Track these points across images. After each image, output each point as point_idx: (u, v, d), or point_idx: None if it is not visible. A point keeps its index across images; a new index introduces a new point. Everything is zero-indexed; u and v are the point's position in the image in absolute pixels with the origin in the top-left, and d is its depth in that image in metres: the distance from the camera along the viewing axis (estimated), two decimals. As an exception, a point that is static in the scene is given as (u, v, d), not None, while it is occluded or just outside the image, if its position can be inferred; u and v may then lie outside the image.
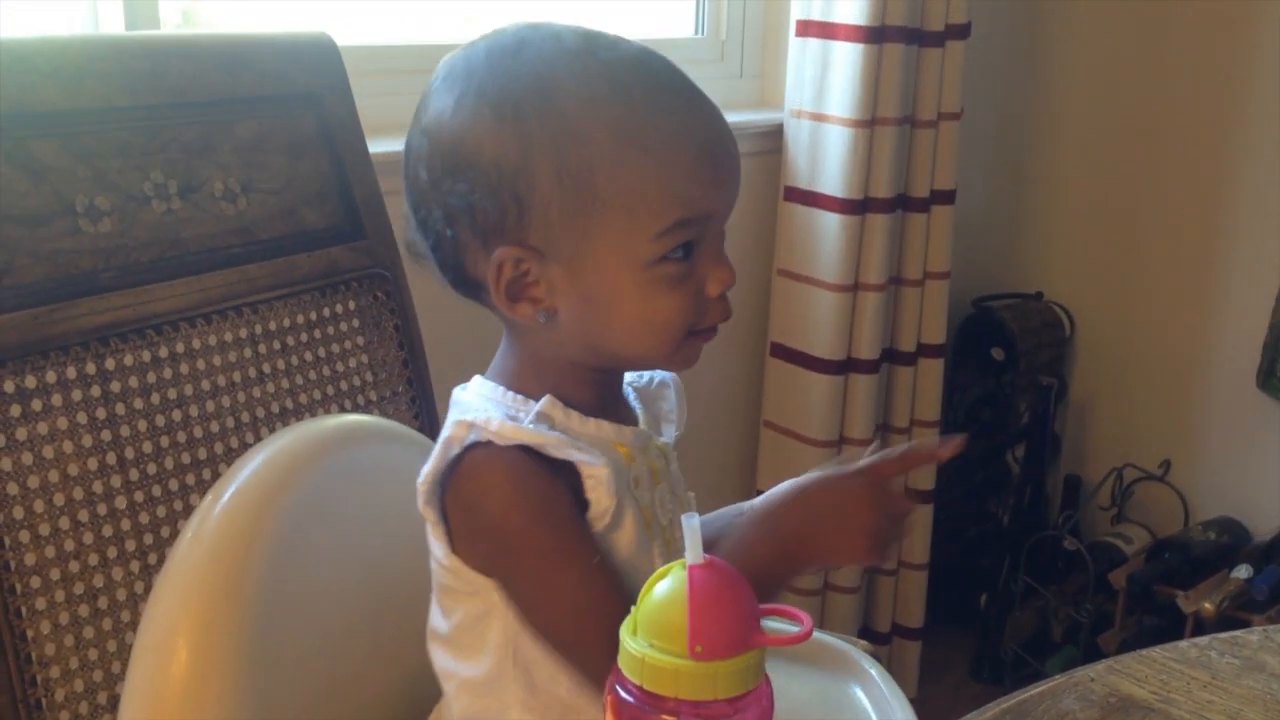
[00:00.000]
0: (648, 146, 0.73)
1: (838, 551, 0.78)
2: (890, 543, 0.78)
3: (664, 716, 0.61)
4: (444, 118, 0.75)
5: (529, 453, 0.73)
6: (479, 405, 0.77)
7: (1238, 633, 0.87)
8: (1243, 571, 1.96)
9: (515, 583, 0.75)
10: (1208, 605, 1.90)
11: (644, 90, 0.74)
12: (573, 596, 0.73)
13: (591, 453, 0.74)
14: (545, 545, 0.73)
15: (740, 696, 0.62)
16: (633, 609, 0.64)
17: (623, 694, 0.63)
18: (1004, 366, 2.29)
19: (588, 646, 0.72)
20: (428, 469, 0.75)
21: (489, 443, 0.73)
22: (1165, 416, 2.31)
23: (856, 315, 1.98)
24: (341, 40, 1.25)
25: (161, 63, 1.07)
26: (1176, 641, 0.86)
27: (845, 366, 1.99)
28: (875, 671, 0.98)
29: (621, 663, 0.63)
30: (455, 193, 0.75)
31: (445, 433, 0.75)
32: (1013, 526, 2.26)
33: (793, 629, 0.64)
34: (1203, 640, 0.86)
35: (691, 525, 0.62)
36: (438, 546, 0.78)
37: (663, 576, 0.63)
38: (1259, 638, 0.86)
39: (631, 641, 0.62)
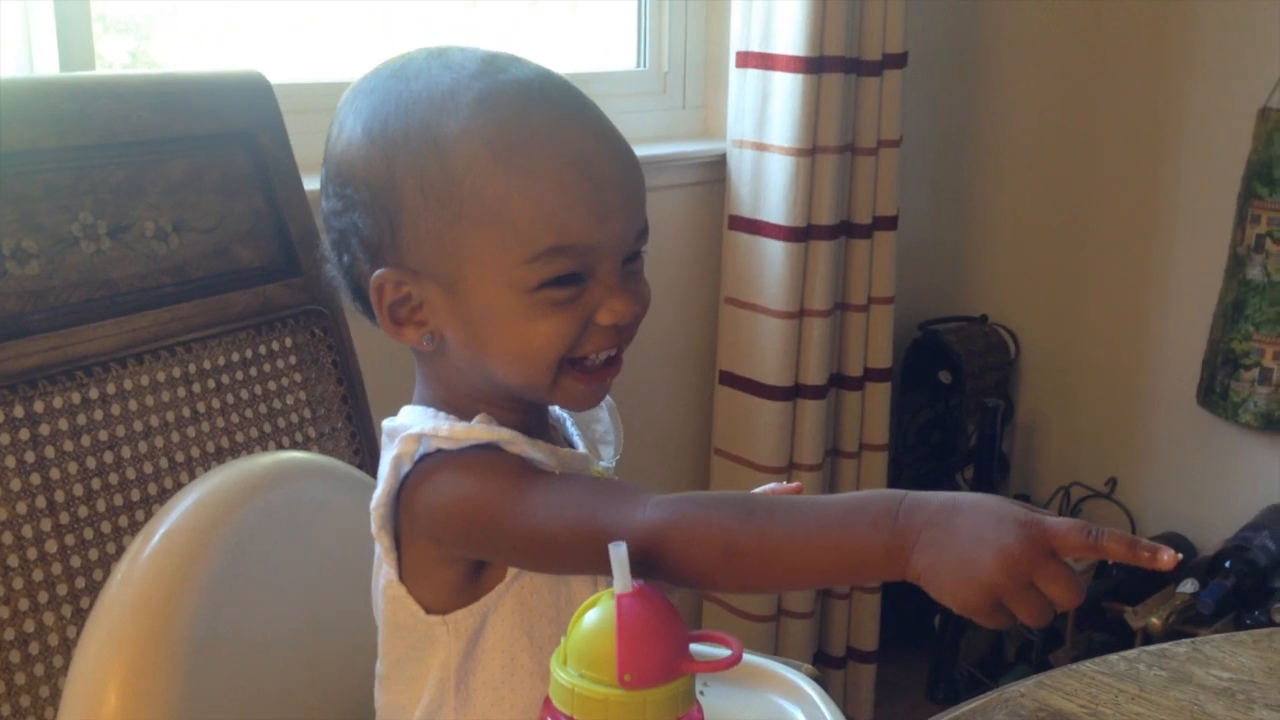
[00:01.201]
0: (515, 163, 0.70)
1: (937, 577, 0.61)
2: (1010, 620, 0.61)
3: (593, 746, 0.60)
4: (331, 143, 0.76)
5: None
6: (419, 423, 0.74)
7: (1166, 645, 0.88)
8: (1189, 586, 1.98)
9: (502, 531, 0.70)
10: (1155, 620, 1.92)
11: (522, 108, 0.72)
12: (555, 500, 0.69)
13: (544, 453, 0.73)
14: (510, 480, 0.70)
15: (670, 723, 0.62)
16: (563, 640, 0.64)
17: (553, 725, 0.63)
18: (951, 389, 2.31)
19: (595, 535, 0.66)
20: (379, 490, 0.73)
21: (440, 451, 0.71)
22: (1110, 435, 2.34)
23: (803, 341, 1.99)
24: (275, 78, 1.26)
25: (89, 104, 1.07)
26: (1106, 655, 0.87)
27: (793, 392, 2.00)
28: (816, 695, 0.98)
29: (552, 693, 0.63)
30: (340, 215, 0.75)
31: (392, 451, 0.72)
32: (964, 547, 2.27)
33: (724, 653, 0.64)
34: (1131, 653, 0.87)
35: (619, 555, 0.62)
36: (385, 575, 0.76)
37: (592, 606, 0.64)
38: (1186, 650, 0.87)
39: (561, 672, 0.62)
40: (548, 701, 0.64)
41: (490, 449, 0.71)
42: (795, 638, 2.06)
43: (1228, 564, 1.97)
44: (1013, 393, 2.42)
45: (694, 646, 0.64)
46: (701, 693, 1.03)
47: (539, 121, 0.72)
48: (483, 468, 0.71)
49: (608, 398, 0.87)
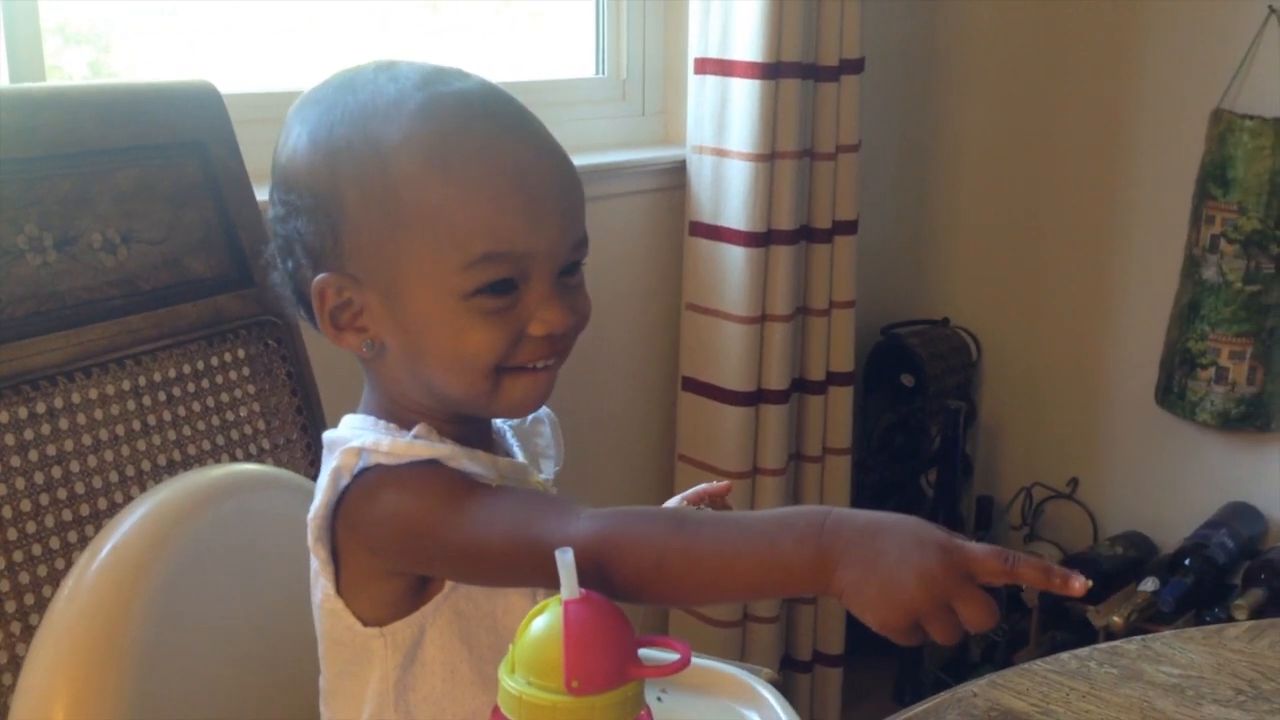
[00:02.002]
0: (452, 172, 0.72)
1: (860, 595, 0.63)
2: (923, 638, 0.63)
3: (542, 754, 0.60)
4: (278, 151, 0.77)
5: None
6: (360, 435, 0.75)
7: (1117, 642, 0.89)
8: (1149, 584, 2.00)
9: (439, 545, 0.71)
10: (1117, 619, 1.94)
11: (460, 118, 0.73)
12: (490, 514, 0.70)
13: (485, 467, 0.73)
14: (447, 494, 0.71)
15: (618, 729, 0.62)
16: (510, 647, 0.64)
17: (501, 733, 0.62)
18: (914, 392, 2.32)
19: (529, 547, 0.67)
20: (317, 502, 0.74)
21: (379, 465, 0.72)
22: (1071, 435, 2.36)
23: (765, 346, 2.00)
24: (226, 88, 1.25)
25: (33, 116, 1.06)
26: (1058, 653, 0.87)
27: (756, 397, 2.00)
28: (774, 699, 0.98)
29: (500, 701, 0.63)
30: (284, 221, 0.76)
31: (332, 463, 0.73)
32: (929, 550, 2.28)
33: (672, 658, 0.64)
34: (1083, 651, 0.88)
35: (565, 560, 0.62)
36: (322, 588, 0.76)
37: (539, 613, 0.63)
38: (1137, 647, 0.88)
39: (509, 680, 0.62)
40: (496, 710, 0.63)
41: (429, 464, 0.72)
42: (761, 643, 2.07)
43: (1187, 562, 1.99)
44: (975, 395, 2.44)
45: (643, 651, 0.64)
46: (660, 698, 1.04)
47: (478, 132, 0.73)
48: (420, 483, 0.71)
49: (550, 412, 0.88)
